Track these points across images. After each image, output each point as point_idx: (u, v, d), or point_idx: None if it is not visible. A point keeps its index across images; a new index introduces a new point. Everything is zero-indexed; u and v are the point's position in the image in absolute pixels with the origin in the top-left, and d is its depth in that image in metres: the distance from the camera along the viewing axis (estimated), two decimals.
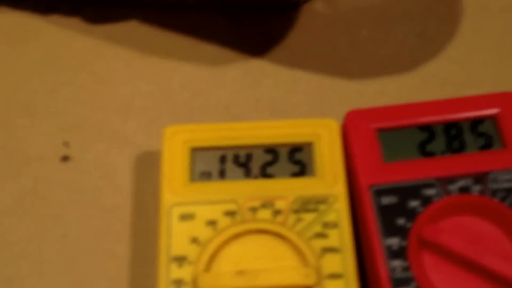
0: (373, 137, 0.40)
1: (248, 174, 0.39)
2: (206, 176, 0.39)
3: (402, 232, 0.37)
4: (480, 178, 0.38)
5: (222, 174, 0.39)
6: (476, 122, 0.40)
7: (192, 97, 0.45)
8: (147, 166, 0.42)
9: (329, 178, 0.38)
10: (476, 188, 0.38)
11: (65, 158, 0.43)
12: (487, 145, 0.40)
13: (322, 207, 0.38)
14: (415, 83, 0.46)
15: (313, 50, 0.47)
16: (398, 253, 0.37)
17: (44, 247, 0.40)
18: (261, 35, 0.47)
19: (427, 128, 0.40)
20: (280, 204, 0.38)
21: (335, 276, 0.36)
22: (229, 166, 0.39)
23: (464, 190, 0.38)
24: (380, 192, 0.38)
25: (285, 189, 0.38)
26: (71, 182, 0.42)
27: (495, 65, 0.46)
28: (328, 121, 0.40)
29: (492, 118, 0.40)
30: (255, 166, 0.39)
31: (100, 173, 0.42)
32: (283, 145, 0.40)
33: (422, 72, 0.46)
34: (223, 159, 0.39)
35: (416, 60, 0.46)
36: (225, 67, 0.46)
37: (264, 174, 0.39)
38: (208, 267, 0.36)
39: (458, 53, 0.47)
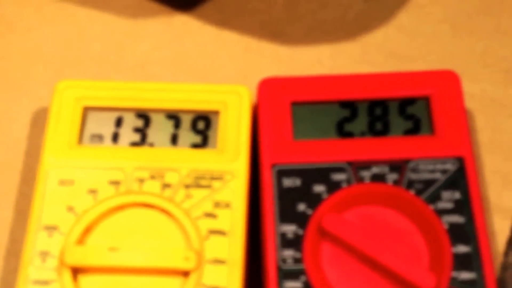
0: (285, 110, 0.36)
1: (143, 141, 0.35)
2: (97, 139, 0.35)
3: (300, 219, 0.33)
4: (398, 166, 0.34)
5: (115, 139, 0.35)
6: (405, 102, 0.36)
7: (105, 51, 0.41)
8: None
9: (231, 153, 0.34)
10: (392, 177, 0.34)
11: None
12: (413, 130, 0.36)
13: (216, 184, 0.34)
14: (356, 53, 0.41)
15: (246, 8, 0.42)
16: (292, 242, 0.33)
17: None
18: None
19: (348, 105, 0.36)
20: (170, 177, 0.34)
21: (218, 261, 0.32)
22: (124, 130, 0.36)
23: (377, 178, 0.34)
24: (282, 173, 0.34)
25: (179, 160, 0.34)
26: None
27: (448, 39, 0.41)
28: (239, 88, 0.36)
29: (424, 99, 0.36)
30: (152, 133, 0.35)
31: None
32: (187, 111, 0.36)
33: (366, 41, 0.42)
34: (118, 122, 0.36)
35: (361, 27, 0.42)
36: (145, 20, 0.42)
37: (161, 142, 0.35)
38: (80, 240, 0.33)
39: (409, 22, 0.42)
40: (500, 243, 0.36)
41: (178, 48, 0.41)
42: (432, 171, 0.34)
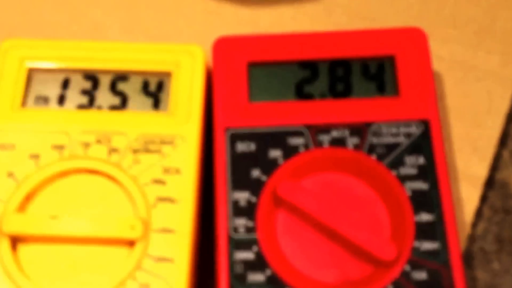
0: (241, 71, 0.34)
1: (91, 104, 0.33)
2: (42, 101, 0.33)
3: (254, 186, 0.31)
4: (359, 129, 0.32)
5: (61, 101, 0.33)
6: (369, 62, 0.34)
7: (57, 10, 0.39)
8: None
9: (182, 116, 0.32)
10: (352, 141, 0.32)
11: None
12: (377, 91, 0.33)
13: (166, 149, 0.32)
14: (320, 14, 0.39)
15: None
16: (245, 211, 0.31)
17: None
18: None
19: (308, 65, 0.34)
20: (118, 141, 0.32)
21: (165, 230, 0.31)
22: (71, 92, 0.34)
23: (337, 142, 0.32)
24: (236, 137, 0.32)
25: (127, 124, 0.32)
26: None
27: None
28: (192, 48, 0.34)
29: (389, 58, 0.34)
30: (101, 95, 0.33)
31: None
32: (137, 72, 0.34)
33: (329, 1, 0.39)
34: (65, 84, 0.34)
35: None
36: None
37: (110, 105, 0.33)
38: (21, 207, 0.31)
39: None
40: (467, 213, 0.34)
41: (133, 9, 0.39)
42: (395, 135, 0.32)
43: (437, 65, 0.37)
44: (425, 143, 0.32)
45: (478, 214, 0.35)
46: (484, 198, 0.35)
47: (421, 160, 0.32)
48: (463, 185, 0.35)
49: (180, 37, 0.38)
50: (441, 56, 0.38)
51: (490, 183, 0.35)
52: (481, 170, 0.35)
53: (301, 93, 0.33)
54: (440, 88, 0.37)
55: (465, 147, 0.36)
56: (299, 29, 0.38)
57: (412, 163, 0.32)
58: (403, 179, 0.32)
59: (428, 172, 0.32)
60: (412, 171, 0.32)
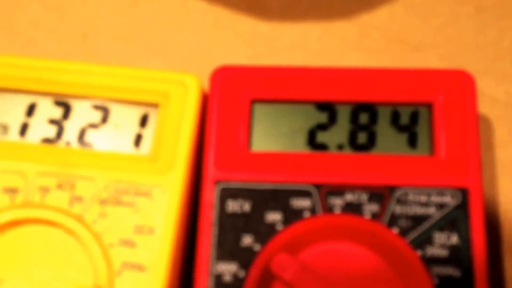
0: (243, 109, 0.27)
1: (58, 137, 0.27)
2: (0, 130, 0.27)
3: (244, 257, 0.25)
4: (380, 194, 0.26)
5: (23, 131, 0.27)
6: (400, 109, 0.27)
7: (42, 16, 0.33)
8: None
9: (165, 160, 0.26)
10: (370, 209, 0.26)
11: None
12: (407, 147, 0.27)
13: (140, 201, 0.26)
14: (352, 35, 0.33)
15: None
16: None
17: None
18: None
19: (326, 107, 0.27)
20: (83, 188, 0.26)
21: None
22: (37, 120, 0.27)
23: (351, 208, 0.26)
24: (228, 193, 0.26)
25: (97, 167, 0.26)
26: None
27: (471, 24, 0.33)
28: (186, 77, 0.28)
29: (425, 106, 0.27)
30: (71, 128, 0.27)
31: None
32: (117, 101, 0.27)
33: (365, 21, 0.33)
34: (30, 110, 0.27)
35: (361, 3, 0.33)
36: None
37: (81, 141, 0.27)
38: None
39: (421, 0, 0.33)
40: None
41: (129, 15, 0.33)
42: (425, 205, 0.26)
43: (489, 108, 0.30)
44: (461, 218, 0.26)
45: None
46: None
47: (455, 239, 0.25)
48: (509, 263, 0.28)
49: (181, 54, 0.33)
50: (496, 98, 0.31)
51: None
52: None
53: (314, 143, 0.27)
54: (490, 137, 0.30)
55: None
56: (326, 52, 0.32)
57: (442, 242, 0.25)
58: (430, 262, 0.25)
59: (462, 255, 0.25)
60: (442, 252, 0.25)
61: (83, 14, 0.33)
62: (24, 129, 0.28)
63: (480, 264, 0.25)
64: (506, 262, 0.29)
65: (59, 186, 0.27)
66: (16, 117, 0.28)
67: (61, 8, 0.34)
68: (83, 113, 0.28)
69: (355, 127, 0.28)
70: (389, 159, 0.27)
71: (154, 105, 0.28)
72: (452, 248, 0.26)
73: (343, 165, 0.27)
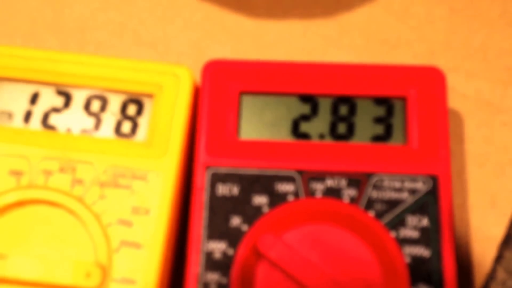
0: (232, 100, 0.30)
1: (60, 124, 0.29)
2: (5, 117, 0.29)
3: (233, 236, 0.28)
4: (357, 180, 0.28)
5: (27, 118, 0.29)
6: (377, 102, 0.29)
7: (40, 11, 0.34)
8: None
9: (160, 147, 0.28)
10: (349, 193, 0.28)
11: None
12: (382, 137, 0.29)
13: (137, 184, 0.28)
14: (333, 33, 0.35)
15: None
16: (219, 264, 0.27)
17: None
18: None
19: (308, 100, 0.30)
20: (83, 172, 0.28)
21: (127, 281, 0.27)
22: (39, 108, 0.29)
23: (331, 193, 0.28)
24: (218, 177, 0.28)
25: (96, 152, 0.28)
26: None
27: (444, 24, 0.35)
28: (178, 69, 0.30)
29: (400, 99, 0.29)
30: (71, 115, 0.29)
31: None
32: (115, 92, 0.29)
33: (345, 20, 0.35)
34: (34, 98, 0.29)
35: (342, 3, 0.35)
36: None
37: (81, 128, 0.29)
38: None
39: (399, 1, 0.35)
40: (479, 276, 0.30)
41: (125, 10, 0.35)
42: (398, 190, 0.28)
43: (459, 103, 0.33)
44: (431, 202, 0.28)
45: (491, 276, 0.30)
46: (498, 259, 0.31)
47: (425, 222, 0.28)
48: (476, 245, 0.31)
49: (173, 46, 0.34)
50: (465, 94, 0.33)
51: (507, 241, 0.31)
52: (499, 228, 0.31)
53: (297, 132, 0.29)
54: (460, 130, 0.32)
55: (482, 201, 0.31)
56: (308, 48, 0.34)
57: (414, 224, 0.28)
58: (403, 242, 0.27)
59: (431, 237, 0.27)
60: (414, 234, 0.28)
61: (80, 9, 0.35)
62: (27, 116, 0.30)
63: (447, 245, 0.28)
64: (472, 242, 0.31)
65: (61, 170, 0.29)
66: (21, 104, 0.30)
67: (58, 3, 0.35)
68: (82, 102, 0.30)
69: (336, 118, 0.30)
70: (366, 148, 0.29)
71: (149, 95, 0.30)
72: (423, 230, 0.28)
73: (324, 153, 0.29)
